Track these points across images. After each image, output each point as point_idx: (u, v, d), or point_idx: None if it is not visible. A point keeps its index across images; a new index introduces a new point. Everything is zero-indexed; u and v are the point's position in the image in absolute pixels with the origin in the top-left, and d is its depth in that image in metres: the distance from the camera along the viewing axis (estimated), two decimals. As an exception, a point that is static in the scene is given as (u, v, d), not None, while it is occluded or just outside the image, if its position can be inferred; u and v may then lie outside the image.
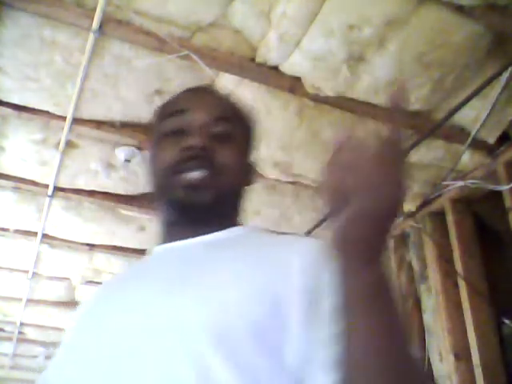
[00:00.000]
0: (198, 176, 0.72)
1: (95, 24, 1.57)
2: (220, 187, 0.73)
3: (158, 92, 1.95)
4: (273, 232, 0.80)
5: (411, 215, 2.54)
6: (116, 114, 2.05)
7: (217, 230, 0.75)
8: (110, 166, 2.38)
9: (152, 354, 0.58)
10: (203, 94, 0.85)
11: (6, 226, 2.89)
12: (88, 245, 3.11)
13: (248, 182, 0.84)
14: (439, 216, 2.44)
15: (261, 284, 0.61)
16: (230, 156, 0.76)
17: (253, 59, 1.77)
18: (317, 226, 2.70)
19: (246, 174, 0.83)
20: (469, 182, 2.22)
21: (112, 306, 0.68)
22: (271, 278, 0.62)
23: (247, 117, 0.87)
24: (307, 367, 0.56)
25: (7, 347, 4.94)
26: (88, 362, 0.62)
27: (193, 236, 0.74)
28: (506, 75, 1.77)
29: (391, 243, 2.69)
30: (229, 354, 0.56)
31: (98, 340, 0.64)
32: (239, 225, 0.80)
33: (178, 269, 0.68)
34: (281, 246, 0.69)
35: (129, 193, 2.62)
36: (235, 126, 0.80)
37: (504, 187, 2.05)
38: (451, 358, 2.17)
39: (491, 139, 2.10)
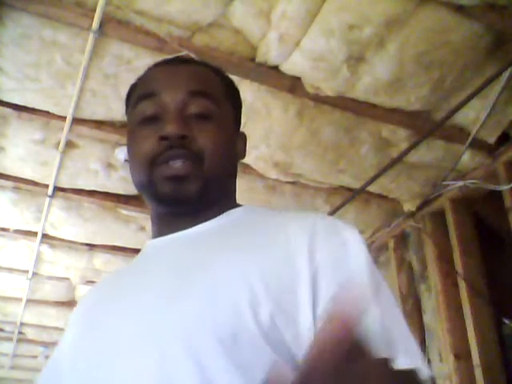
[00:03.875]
0: (180, 167, 0.66)
1: (95, 24, 1.57)
2: (205, 175, 0.67)
3: (158, 92, 1.94)
4: (272, 211, 0.74)
5: (411, 215, 2.54)
6: (116, 114, 2.05)
7: (212, 217, 0.69)
8: (109, 166, 2.38)
9: (153, 360, 0.54)
10: (173, 66, 0.76)
11: (5, 226, 2.89)
12: (88, 245, 3.11)
13: (239, 156, 0.77)
14: (439, 216, 2.44)
15: (268, 276, 0.56)
16: (213, 137, 0.68)
17: (253, 59, 1.77)
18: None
19: (236, 149, 0.76)
20: (469, 181, 2.22)
21: (111, 308, 0.65)
22: (277, 267, 0.57)
23: (227, 82, 0.78)
24: None
25: (7, 347, 4.94)
26: (86, 368, 0.60)
27: (188, 226, 0.68)
28: (506, 75, 1.77)
29: (391, 243, 2.69)
30: (239, 361, 0.52)
31: (97, 345, 0.61)
32: (235, 206, 0.73)
33: (175, 265, 0.63)
34: (282, 227, 0.63)
35: (129, 193, 2.62)
36: (214, 100, 0.71)
37: (504, 187, 2.05)
38: (451, 358, 2.17)
39: (491, 139, 2.10)
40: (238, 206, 0.74)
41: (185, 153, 0.66)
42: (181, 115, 0.68)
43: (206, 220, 0.69)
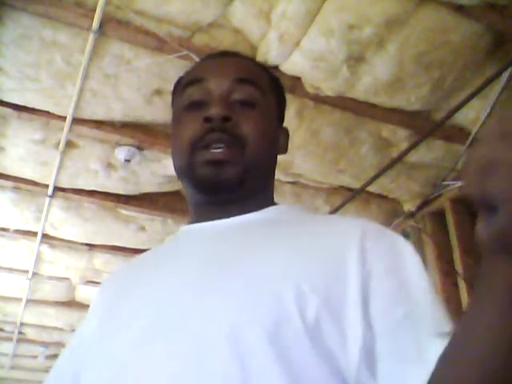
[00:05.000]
0: (221, 151, 0.65)
1: (95, 24, 1.57)
2: (246, 161, 0.66)
3: (158, 92, 1.95)
4: (314, 213, 0.73)
5: (411, 215, 2.54)
6: (116, 114, 2.05)
7: (252, 210, 0.68)
8: (109, 166, 2.39)
9: (193, 352, 0.52)
10: (222, 57, 0.77)
11: (5, 226, 2.89)
12: (88, 245, 3.11)
13: (281, 150, 0.76)
14: (439, 216, 2.44)
15: (316, 274, 0.55)
16: (256, 124, 0.68)
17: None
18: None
19: (277, 141, 0.75)
20: (469, 182, 2.22)
21: (142, 292, 0.62)
22: (326, 267, 0.56)
23: (273, 77, 0.78)
24: (367, 364, 0.51)
25: (7, 347, 4.94)
26: (117, 355, 0.57)
27: (225, 216, 0.67)
28: (506, 75, 1.77)
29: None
30: (281, 355, 0.51)
31: (128, 330, 0.58)
32: (275, 203, 0.73)
33: (214, 253, 0.62)
34: (331, 227, 0.62)
35: (129, 193, 2.62)
36: (260, 89, 0.71)
37: (504, 187, 2.05)
38: (451, 357, 2.17)
39: (491, 139, 2.10)
40: (276, 204, 0.73)
41: (226, 137, 0.66)
42: (225, 100, 0.68)
43: (244, 212, 0.67)
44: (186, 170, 0.69)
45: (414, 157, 2.19)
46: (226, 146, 0.65)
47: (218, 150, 0.65)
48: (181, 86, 0.75)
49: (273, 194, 0.75)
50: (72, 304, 4.06)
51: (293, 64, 1.75)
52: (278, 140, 0.75)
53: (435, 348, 0.48)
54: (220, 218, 0.67)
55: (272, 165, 0.74)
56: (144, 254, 0.78)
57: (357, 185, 2.38)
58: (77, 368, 0.64)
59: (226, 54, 0.78)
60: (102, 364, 0.59)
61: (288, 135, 0.79)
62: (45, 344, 4.94)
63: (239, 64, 0.74)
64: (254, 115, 0.69)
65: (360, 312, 0.53)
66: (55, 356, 5.37)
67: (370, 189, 2.40)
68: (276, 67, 1.78)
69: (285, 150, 0.77)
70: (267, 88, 0.74)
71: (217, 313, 0.54)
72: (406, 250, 0.60)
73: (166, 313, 0.57)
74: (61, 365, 0.70)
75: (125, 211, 2.77)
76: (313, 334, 0.52)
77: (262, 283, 0.55)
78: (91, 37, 1.62)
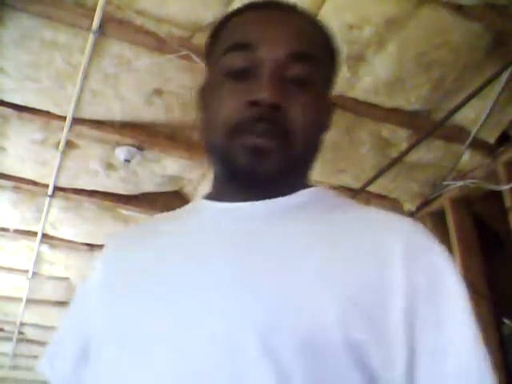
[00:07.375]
0: (267, 143, 0.56)
1: (95, 24, 1.57)
2: (291, 154, 0.58)
3: (158, 92, 1.95)
4: (350, 202, 0.65)
5: (411, 215, 2.54)
6: (116, 114, 2.05)
7: (282, 192, 0.60)
8: (109, 166, 2.39)
9: (223, 349, 0.48)
10: (275, 16, 0.63)
11: (6, 226, 2.89)
12: (88, 245, 3.12)
13: (326, 128, 0.67)
14: (439, 216, 2.44)
15: (356, 284, 0.50)
16: (307, 112, 0.59)
17: (253, 59, 1.77)
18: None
19: (325, 119, 0.66)
20: (469, 181, 2.22)
21: (163, 273, 0.56)
22: (366, 274, 0.51)
23: (333, 43, 0.66)
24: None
25: (7, 347, 4.94)
26: (135, 341, 0.52)
27: (252, 198, 0.59)
28: (505, 75, 1.77)
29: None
30: (316, 366, 0.47)
31: (149, 316, 0.53)
32: (309, 186, 0.64)
33: (245, 244, 0.55)
34: (372, 223, 0.56)
35: (129, 193, 2.62)
36: (317, 64, 0.61)
37: (504, 187, 2.05)
38: (451, 357, 2.17)
39: (491, 139, 2.10)
40: (309, 186, 0.65)
41: (273, 129, 0.57)
42: (278, 79, 0.58)
43: (273, 195, 0.60)
44: (220, 153, 0.60)
45: (413, 157, 2.19)
46: (271, 136, 0.57)
47: (264, 139, 0.57)
48: (223, 43, 0.63)
49: (310, 175, 0.67)
50: (72, 304, 4.06)
51: (293, 64, 1.75)
52: (327, 119, 0.66)
53: None
54: (245, 199, 0.60)
55: (318, 149, 0.66)
56: (153, 222, 0.69)
57: (357, 185, 2.38)
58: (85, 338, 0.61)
59: (280, 8, 0.64)
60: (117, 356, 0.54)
61: (334, 110, 0.69)
62: (45, 344, 4.94)
63: (297, 29, 0.62)
64: (306, 99, 0.59)
65: (404, 334, 0.49)
66: (55, 356, 5.37)
67: (370, 189, 2.40)
68: (276, 67, 1.78)
69: (329, 127, 0.68)
70: (324, 57, 0.64)
71: (247, 312, 0.49)
72: (451, 272, 0.58)
73: (192, 305, 0.52)
74: (66, 331, 0.67)
75: (125, 211, 2.77)
76: (354, 352, 0.48)
77: (298, 288, 0.50)
78: (91, 37, 1.62)
